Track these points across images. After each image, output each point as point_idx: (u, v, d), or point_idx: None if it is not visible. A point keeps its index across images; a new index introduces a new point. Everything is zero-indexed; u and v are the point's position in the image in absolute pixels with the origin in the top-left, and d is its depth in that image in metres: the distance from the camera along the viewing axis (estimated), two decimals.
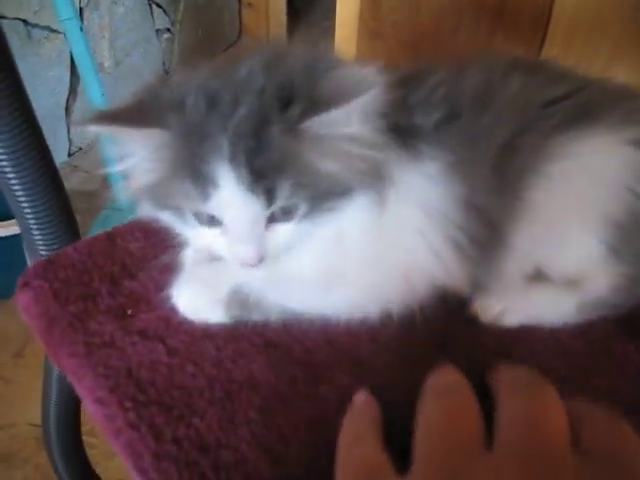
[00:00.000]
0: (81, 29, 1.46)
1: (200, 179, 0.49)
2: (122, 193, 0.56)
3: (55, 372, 0.78)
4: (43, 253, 0.71)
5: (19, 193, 0.68)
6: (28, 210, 0.69)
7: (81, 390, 0.57)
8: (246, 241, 0.51)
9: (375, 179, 0.52)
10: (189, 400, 0.54)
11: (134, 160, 0.52)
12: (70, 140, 1.72)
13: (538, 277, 0.60)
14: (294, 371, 0.56)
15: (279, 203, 0.49)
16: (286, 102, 0.48)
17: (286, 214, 0.51)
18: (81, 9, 1.65)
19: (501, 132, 0.56)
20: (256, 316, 0.59)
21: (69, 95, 1.70)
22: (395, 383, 0.55)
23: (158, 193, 0.53)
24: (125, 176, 0.55)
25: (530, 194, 0.57)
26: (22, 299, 0.63)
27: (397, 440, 0.47)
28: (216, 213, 0.51)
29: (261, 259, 0.52)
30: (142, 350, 0.58)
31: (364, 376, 0.56)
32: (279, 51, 0.54)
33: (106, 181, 1.68)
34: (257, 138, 0.47)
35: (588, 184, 0.57)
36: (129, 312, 0.61)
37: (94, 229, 1.58)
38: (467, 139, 0.56)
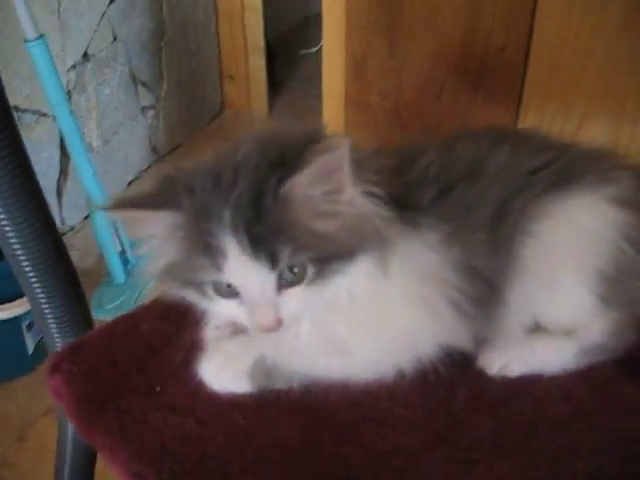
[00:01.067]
0: (70, 112, 1.52)
1: (211, 252, 0.54)
2: (145, 274, 0.61)
3: (69, 436, 0.79)
4: (58, 342, 0.73)
5: (35, 283, 0.71)
6: (45, 302, 0.72)
7: (116, 466, 0.60)
8: (262, 306, 0.56)
9: (376, 243, 0.57)
10: (223, 468, 0.58)
11: (153, 243, 0.58)
12: (62, 219, 1.76)
13: (537, 329, 0.65)
14: (320, 433, 0.60)
15: (282, 265, 0.54)
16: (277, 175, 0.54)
17: (295, 278, 0.55)
18: (69, 91, 1.72)
19: (492, 200, 0.62)
20: (280, 384, 0.63)
21: (60, 176, 1.74)
22: (414, 438, 0.59)
23: (178, 271, 0.58)
24: (146, 259, 0.60)
25: (522, 252, 0.62)
26: (52, 383, 0.67)
27: None
28: (232, 281, 0.56)
29: (279, 322, 0.56)
30: (173, 424, 0.61)
31: (385, 433, 0.60)
32: (273, 132, 0.60)
33: (100, 259, 1.70)
34: (254, 208, 0.53)
35: (573, 240, 0.62)
36: (157, 389, 0.64)
37: (92, 305, 1.60)
38: (462, 209, 0.62)
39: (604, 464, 0.58)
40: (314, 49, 2.39)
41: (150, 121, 2.01)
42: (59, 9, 1.65)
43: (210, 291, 0.57)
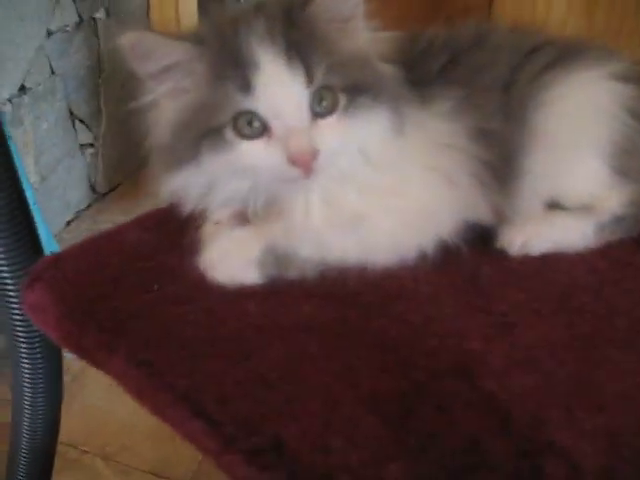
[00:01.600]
0: (9, 138, 1.45)
1: (240, 69, 0.50)
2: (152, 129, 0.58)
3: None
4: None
5: None
6: None
7: (115, 362, 0.52)
8: (296, 132, 0.51)
9: (392, 93, 0.55)
10: (240, 348, 0.51)
11: (167, 86, 0.54)
12: None
13: (555, 207, 0.63)
14: (344, 311, 0.55)
15: (317, 82, 0.51)
16: None
17: (327, 108, 0.52)
18: None
19: (499, 67, 0.61)
20: (292, 272, 0.57)
21: None
22: (446, 309, 0.55)
23: (191, 117, 0.53)
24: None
25: (534, 120, 0.61)
26: (31, 296, 0.59)
27: None
28: (260, 108, 0.51)
29: (314, 154, 0.51)
30: (178, 313, 0.55)
31: (414, 306, 0.55)
32: None
33: None
34: (287, 19, 0.51)
35: (583, 111, 0.61)
36: (155, 287, 0.58)
37: None
38: (471, 75, 0.60)
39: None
40: None
41: (89, 159, 1.95)
42: None
43: (231, 134, 0.52)
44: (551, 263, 0.60)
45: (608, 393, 0.48)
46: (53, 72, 1.80)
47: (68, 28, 1.81)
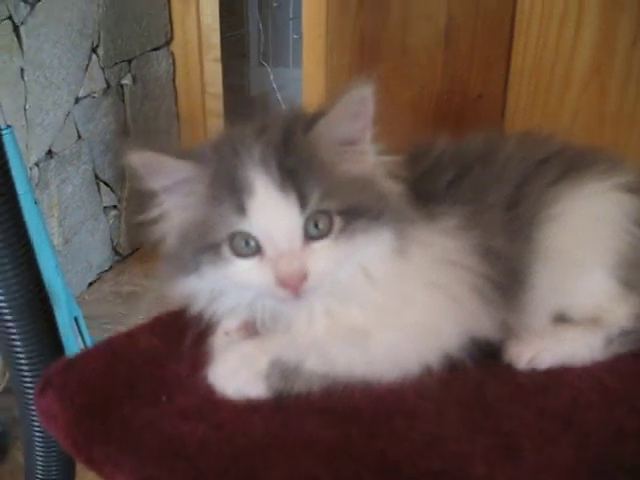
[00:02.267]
0: (35, 202, 1.49)
1: (235, 192, 0.52)
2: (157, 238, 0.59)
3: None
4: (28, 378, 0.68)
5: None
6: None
7: (122, 476, 0.53)
8: (287, 255, 0.52)
9: (395, 214, 0.56)
10: (247, 468, 0.52)
11: (175, 199, 0.56)
12: None
13: (562, 320, 0.63)
14: (347, 429, 0.55)
15: (312, 207, 0.52)
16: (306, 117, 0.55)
17: (322, 231, 0.53)
18: None
19: (507, 183, 0.62)
20: (298, 386, 0.58)
21: None
22: (450, 428, 0.55)
23: (193, 232, 0.55)
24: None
25: (540, 236, 0.61)
26: (42, 402, 0.60)
27: None
28: (254, 230, 0.53)
29: (304, 277, 0.53)
30: (186, 429, 0.55)
31: (417, 424, 0.56)
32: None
33: None
34: (284, 146, 0.53)
35: (590, 225, 0.62)
36: (164, 398, 0.59)
37: None
38: (477, 192, 0.61)
39: None
40: None
41: (112, 221, 1.99)
42: (25, 106, 1.66)
43: (227, 252, 0.54)
44: (559, 378, 0.60)
45: None
46: (79, 137, 1.84)
47: (95, 94, 1.86)
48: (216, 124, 2.14)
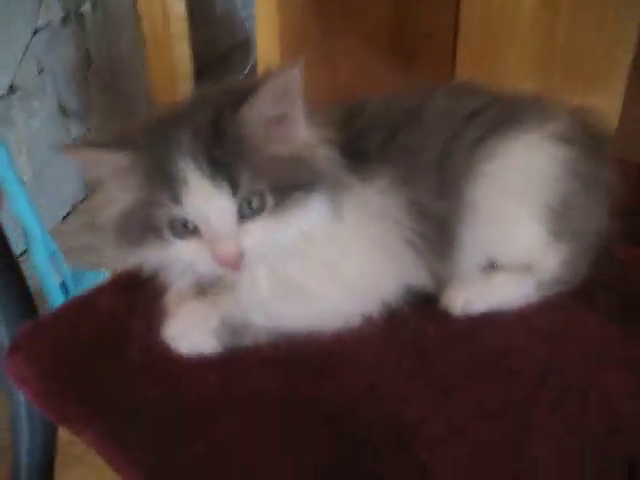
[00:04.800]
0: (1, 141, 1.49)
1: (169, 182, 0.54)
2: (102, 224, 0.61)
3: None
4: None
5: None
6: None
7: (89, 433, 0.57)
8: (222, 238, 0.55)
9: (330, 182, 0.58)
10: (200, 422, 0.57)
11: (111, 186, 0.59)
12: None
13: (494, 267, 0.67)
14: (293, 381, 0.60)
15: (243, 191, 0.54)
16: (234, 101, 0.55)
17: (255, 210, 0.56)
18: None
19: (436, 142, 0.64)
20: (247, 340, 0.62)
21: None
22: (389, 375, 0.60)
23: (136, 215, 0.58)
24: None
25: (471, 193, 0.64)
26: (13, 364, 0.64)
27: None
28: (190, 216, 0.55)
29: (240, 256, 0.56)
30: (144, 385, 0.60)
31: (358, 375, 0.60)
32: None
33: (40, 292, 1.64)
34: (212, 133, 0.54)
35: (521, 178, 0.65)
36: (125, 356, 0.63)
37: None
38: (408, 151, 0.64)
39: (579, 381, 0.59)
40: (241, 75, 2.43)
41: None
42: None
43: (167, 234, 0.57)
44: (493, 322, 0.65)
45: (534, 460, 0.53)
46: (41, 70, 1.82)
47: (54, 24, 1.82)
48: (182, 48, 2.11)
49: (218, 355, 0.62)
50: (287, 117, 0.56)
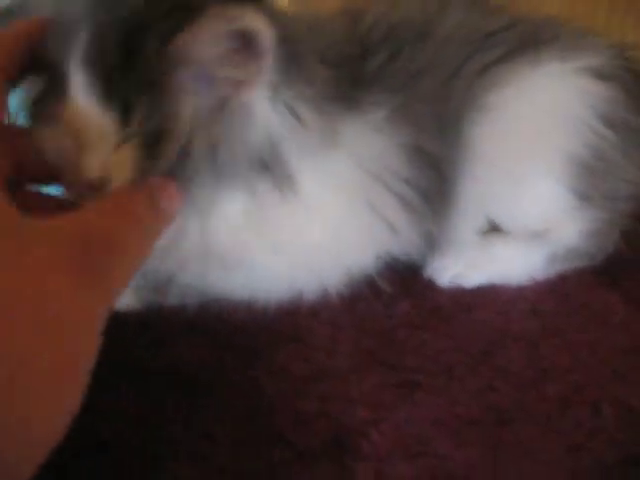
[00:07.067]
0: None
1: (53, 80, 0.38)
2: None
3: None
4: None
5: None
6: None
7: None
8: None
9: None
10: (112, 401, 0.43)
11: None
12: None
13: (496, 232, 0.53)
14: (220, 352, 0.47)
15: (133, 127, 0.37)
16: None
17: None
18: None
19: (444, 65, 0.49)
20: (171, 300, 0.49)
21: None
22: (341, 361, 0.46)
23: None
24: None
25: (468, 131, 0.49)
26: None
27: None
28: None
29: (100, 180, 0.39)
30: None
31: (304, 354, 0.47)
32: None
33: None
34: (125, 46, 0.36)
35: (537, 117, 0.50)
36: None
37: None
38: (410, 77, 0.49)
39: (579, 388, 0.45)
40: None
41: None
42: None
43: None
44: (485, 300, 0.51)
45: None
46: None
47: None
48: None
49: (137, 315, 0.49)
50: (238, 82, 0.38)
